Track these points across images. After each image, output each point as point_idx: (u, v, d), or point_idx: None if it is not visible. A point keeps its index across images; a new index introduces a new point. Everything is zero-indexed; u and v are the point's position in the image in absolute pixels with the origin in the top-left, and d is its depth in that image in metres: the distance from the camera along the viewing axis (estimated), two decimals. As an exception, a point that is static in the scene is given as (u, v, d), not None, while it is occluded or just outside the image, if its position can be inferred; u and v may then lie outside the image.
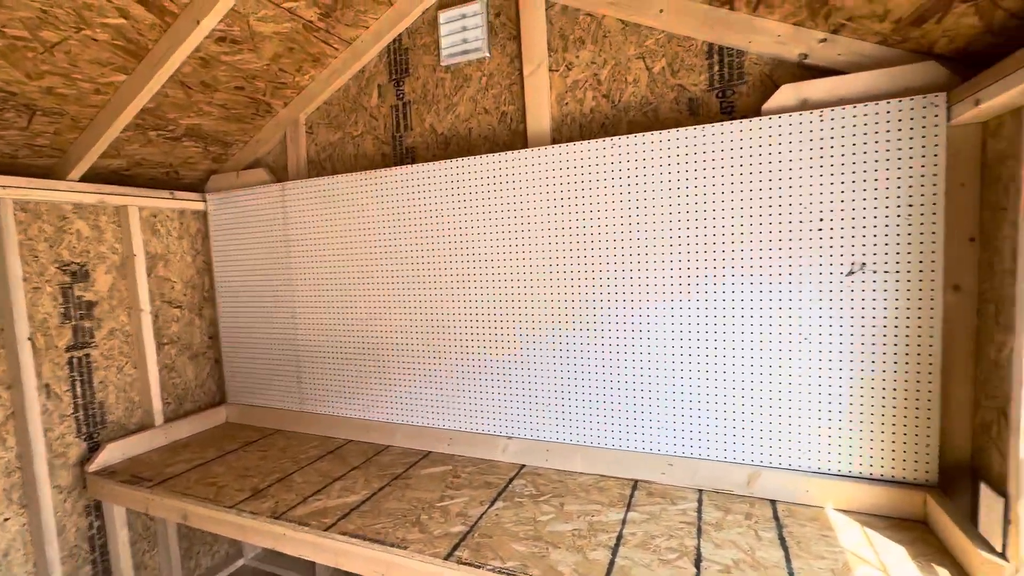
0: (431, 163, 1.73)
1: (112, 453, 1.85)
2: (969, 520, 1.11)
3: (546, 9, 1.62)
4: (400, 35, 1.87)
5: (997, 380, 1.09)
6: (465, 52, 1.73)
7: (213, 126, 1.98)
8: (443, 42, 1.76)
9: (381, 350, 1.89)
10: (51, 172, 1.78)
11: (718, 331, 1.40)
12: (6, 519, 1.64)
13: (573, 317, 1.57)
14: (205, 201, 2.23)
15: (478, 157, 1.65)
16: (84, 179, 1.84)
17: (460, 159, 1.68)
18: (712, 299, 1.40)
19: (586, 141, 1.51)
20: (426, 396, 1.83)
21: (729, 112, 1.45)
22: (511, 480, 1.56)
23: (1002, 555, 0.98)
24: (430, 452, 1.82)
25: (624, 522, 1.30)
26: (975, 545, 1.01)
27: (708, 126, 1.37)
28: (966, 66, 1.17)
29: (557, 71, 1.63)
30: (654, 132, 1.43)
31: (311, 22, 1.71)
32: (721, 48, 1.44)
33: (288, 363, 2.11)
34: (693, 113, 1.48)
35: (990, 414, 1.12)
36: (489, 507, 1.40)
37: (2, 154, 1.62)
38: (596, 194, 1.50)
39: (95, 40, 1.41)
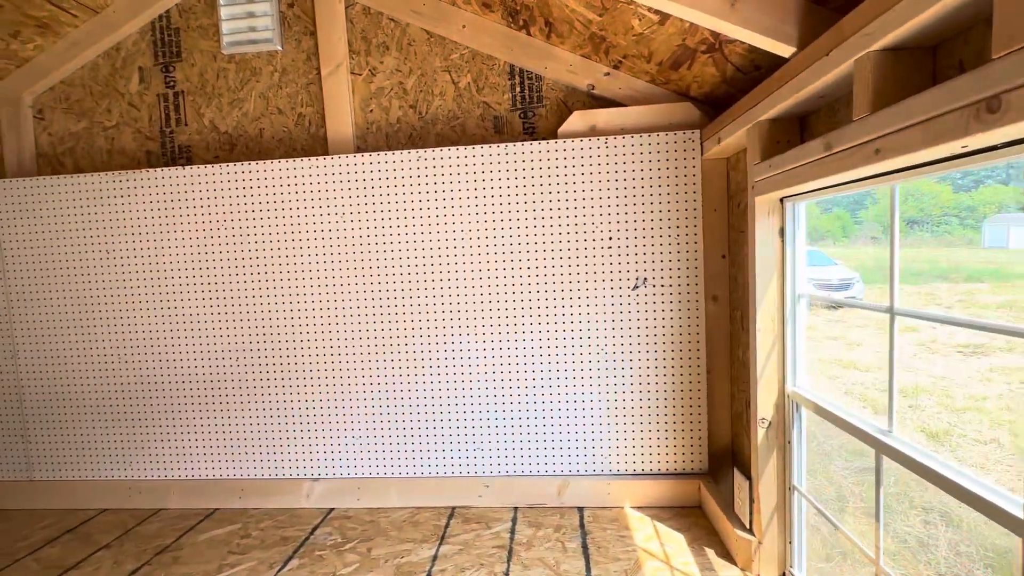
0: (212, 165, 1.46)
1: None
2: (730, 503, 1.28)
3: (346, 8, 1.49)
4: (169, 11, 1.56)
5: (744, 376, 1.27)
6: (253, 42, 1.51)
7: None
8: (224, 27, 1.51)
9: (145, 393, 1.53)
10: None
11: (521, 346, 1.42)
12: None
13: (373, 341, 1.45)
14: None
15: (273, 162, 1.44)
16: None
17: (249, 163, 1.45)
18: (513, 315, 1.41)
19: (393, 152, 1.41)
20: (209, 443, 1.53)
21: (531, 132, 1.49)
22: (314, 529, 1.37)
23: (750, 531, 1.13)
24: (216, 510, 1.51)
25: (435, 558, 1.21)
26: (732, 525, 1.16)
27: (512, 144, 1.39)
28: (715, 108, 1.37)
29: (360, 75, 1.52)
30: (462, 147, 1.40)
31: (28, -25, 1.32)
32: (522, 71, 1.48)
33: (7, 419, 1.59)
34: (498, 131, 1.50)
35: (740, 406, 1.31)
36: (280, 570, 1.19)
37: None
38: (403, 208, 1.42)
39: None
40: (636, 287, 1.38)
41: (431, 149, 1.40)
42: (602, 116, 1.39)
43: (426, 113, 1.51)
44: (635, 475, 1.41)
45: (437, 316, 1.43)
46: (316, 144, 1.55)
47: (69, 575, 1.22)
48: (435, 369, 1.44)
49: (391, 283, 1.43)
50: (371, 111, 1.52)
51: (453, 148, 1.40)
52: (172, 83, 1.58)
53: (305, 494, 1.49)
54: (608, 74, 1.41)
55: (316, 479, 1.50)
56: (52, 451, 1.58)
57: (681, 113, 1.37)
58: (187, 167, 1.47)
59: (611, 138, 1.36)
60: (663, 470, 1.41)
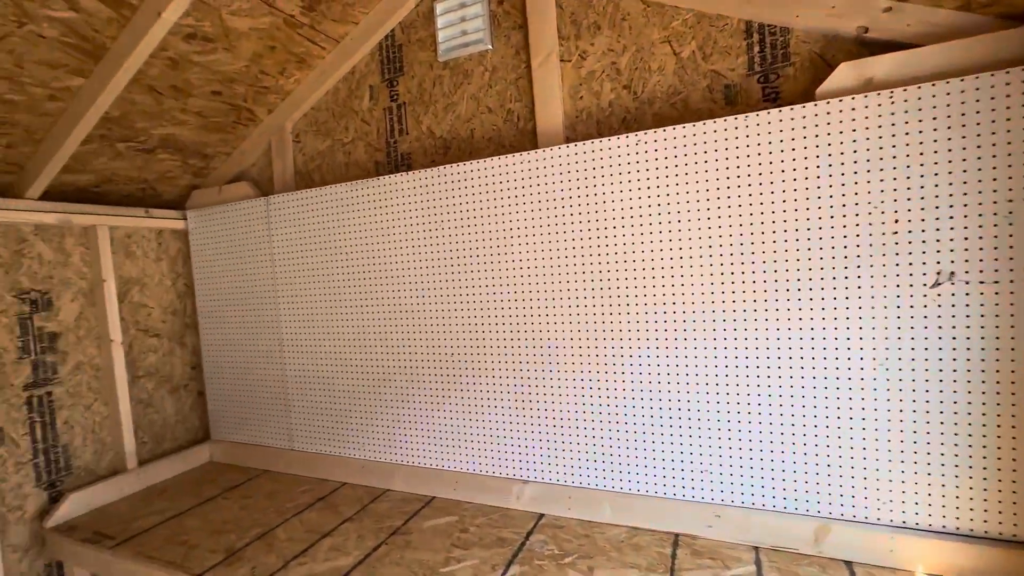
0: (426, 170, 1.53)
1: (75, 504, 1.64)
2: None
3: (556, -8, 1.43)
4: (393, 30, 1.69)
5: None
6: (465, 45, 1.54)
7: (191, 137, 1.80)
8: (440, 35, 1.57)
9: (377, 381, 1.68)
10: (7, 189, 1.60)
11: (772, 357, 1.18)
12: (-52, 587, 1.43)
13: (600, 341, 1.35)
14: (186, 219, 2.05)
15: (480, 161, 1.45)
16: (46, 197, 1.66)
17: (458, 164, 1.48)
18: (764, 320, 1.18)
19: (605, 139, 1.30)
20: (429, 432, 1.61)
21: (773, 99, 1.24)
22: (528, 535, 1.33)
23: None
24: (434, 498, 1.59)
25: (669, 594, 1.06)
26: None
27: (750, 115, 1.16)
28: (1072, 30, 0.96)
29: (569, 61, 1.44)
30: (685, 125, 1.22)
31: (293, 16, 1.53)
32: (762, 26, 1.24)
33: (276, 396, 1.90)
34: (730, 102, 1.28)
35: None
36: (503, 574, 1.17)
37: (-52, 171, 1.45)
38: (618, 199, 1.30)
39: (42, 37, 1.24)
40: (937, 283, 1.04)
41: (648, 131, 1.26)
42: (882, 64, 1.08)
43: (641, 92, 1.37)
44: (935, 532, 1.07)
45: (668, 317, 1.27)
46: (524, 139, 1.52)
47: (328, 540, 1.37)
48: (661, 376, 1.29)
49: (611, 280, 1.32)
50: (581, 98, 1.43)
51: (674, 128, 1.23)
52: (395, 96, 1.71)
53: (515, 495, 1.47)
54: (889, 9, 1.10)
55: (526, 481, 1.47)
56: (307, 426, 1.84)
57: (1015, 44, 0.99)
58: (407, 172, 1.56)
59: (897, 91, 1.05)
60: (979, 531, 1.04)
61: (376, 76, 1.74)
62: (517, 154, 1.40)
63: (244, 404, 1.97)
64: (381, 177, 1.61)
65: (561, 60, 1.45)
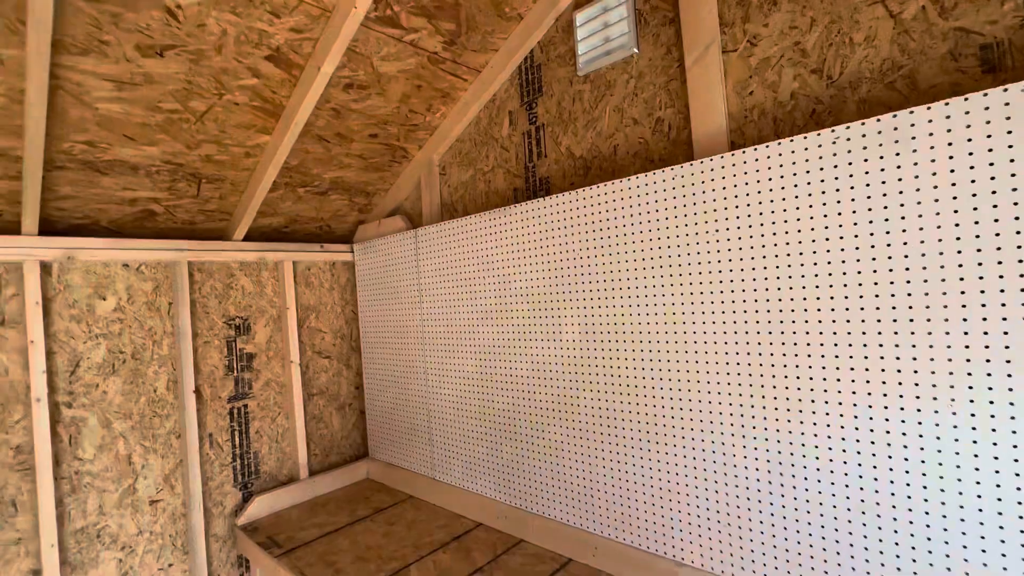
0: (563, 194, 1.40)
1: (259, 506, 1.86)
2: None
3: (715, -28, 1.19)
4: (532, 51, 1.62)
5: None
6: (608, 53, 1.39)
7: (354, 177, 1.97)
8: (580, 47, 1.44)
9: (519, 420, 1.57)
10: (221, 234, 1.93)
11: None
12: (170, 565, 1.72)
13: (807, 409, 1.04)
14: (352, 252, 2.26)
15: (622, 181, 1.26)
16: (248, 238, 1.96)
17: (599, 185, 1.31)
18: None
19: (787, 140, 1.01)
20: (574, 486, 1.44)
21: (1075, 54, 0.82)
22: (682, 639, 1.07)
23: None
24: (569, 561, 1.41)
25: None
26: None
27: (1032, 83, 0.77)
28: None
29: (735, 51, 1.18)
30: (916, 109, 0.87)
31: (436, 53, 1.56)
32: (1048, -51, 0.83)
33: (420, 423, 1.93)
34: (991, 67, 0.88)
35: None
36: None
37: (183, 220, 1.78)
38: (807, 214, 0.99)
39: (236, 104, 1.44)
40: None
41: (852, 124, 0.93)
42: None
43: (839, 75, 1.04)
44: None
45: (908, 390, 0.92)
46: (677, 150, 1.29)
47: (453, 595, 1.30)
48: (897, 439, 0.93)
49: (801, 327, 1.01)
50: (750, 93, 1.16)
51: (895, 115, 0.88)
52: (534, 118, 1.62)
53: (666, 579, 1.21)
54: None
55: (681, 564, 1.20)
56: (447, 458, 1.83)
57: None
58: (545, 198, 1.45)
59: None
60: None
61: (515, 100, 1.68)
62: (667, 169, 1.19)
63: (395, 428, 2.06)
64: (515, 205, 1.52)
65: (724, 51, 1.19)
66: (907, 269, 0.88)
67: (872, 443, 0.93)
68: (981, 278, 0.81)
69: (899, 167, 0.88)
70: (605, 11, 1.38)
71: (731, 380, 1.10)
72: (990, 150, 0.80)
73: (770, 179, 1.03)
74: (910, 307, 0.88)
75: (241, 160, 1.64)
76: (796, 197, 0.99)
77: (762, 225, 1.04)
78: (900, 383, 0.89)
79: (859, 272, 0.93)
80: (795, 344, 1.00)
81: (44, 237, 1.50)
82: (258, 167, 1.68)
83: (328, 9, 1.28)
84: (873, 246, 0.91)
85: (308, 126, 1.61)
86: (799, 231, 0.99)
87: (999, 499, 0.81)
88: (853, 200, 0.93)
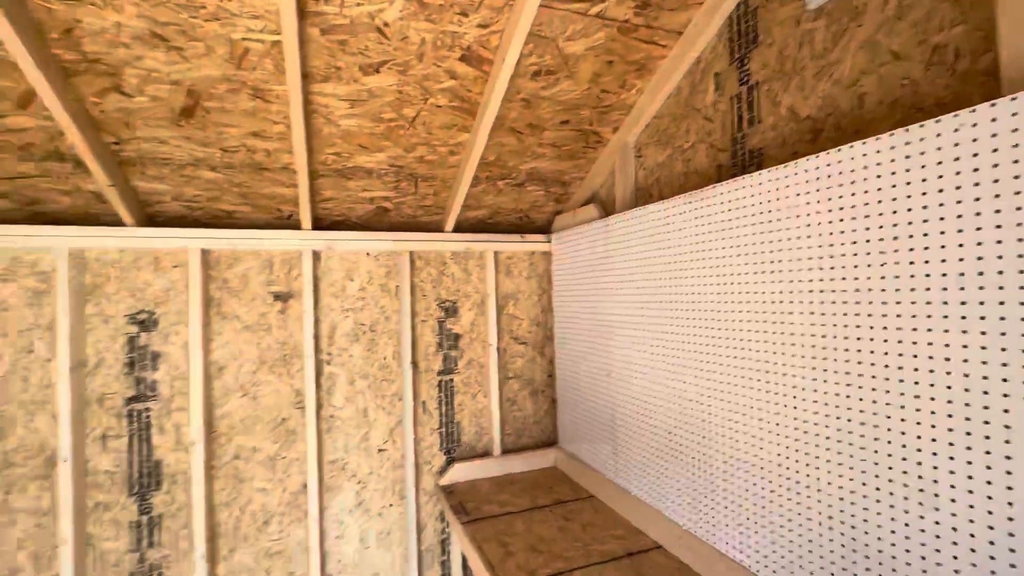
0: (781, 167, 1.09)
1: (458, 472, 2.06)
2: None
3: None
4: (746, -6, 1.32)
5: None
6: (853, -31, 1.02)
7: (549, 167, 1.97)
8: (812, -29, 1.10)
9: (708, 437, 1.34)
10: (436, 227, 2.17)
11: None
12: (391, 505, 2.05)
13: None
14: (550, 242, 2.28)
15: (872, 141, 0.91)
16: (457, 230, 2.17)
17: (833, 151, 0.98)
18: None
19: None
20: (772, 528, 1.16)
21: None
22: None
23: None
24: (764, 628, 1.13)
25: None
26: None
27: None
28: None
29: (1101, -95, 0.71)
30: None
31: (626, 22, 1.41)
32: None
33: (604, 422, 1.83)
34: None
35: None
36: None
37: (407, 215, 2.07)
38: None
39: (439, 106, 1.57)
40: None
41: None
42: None
43: None
44: None
45: None
46: (968, 87, 0.86)
47: (611, 620, 1.18)
48: None
49: None
50: None
51: None
52: (746, 77, 1.32)
53: None
54: None
55: None
56: (629, 465, 1.69)
57: None
58: (749, 175, 1.16)
59: None
60: None
61: (723, 60, 1.40)
62: (958, 115, 0.80)
63: (582, 422, 2.01)
64: (716, 185, 1.27)
65: (1075, -88, 0.73)
66: None
67: None
68: None
69: None
70: (853, -89, 1.01)
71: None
72: None
73: None
74: None
75: (447, 158, 1.80)
76: None
77: None
78: None
79: None
80: None
81: (314, 232, 1.93)
82: (461, 164, 1.82)
83: (511, -3, 1.28)
84: None
85: (500, 119, 1.66)
86: None
87: None
88: None
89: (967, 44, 0.86)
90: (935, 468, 0.82)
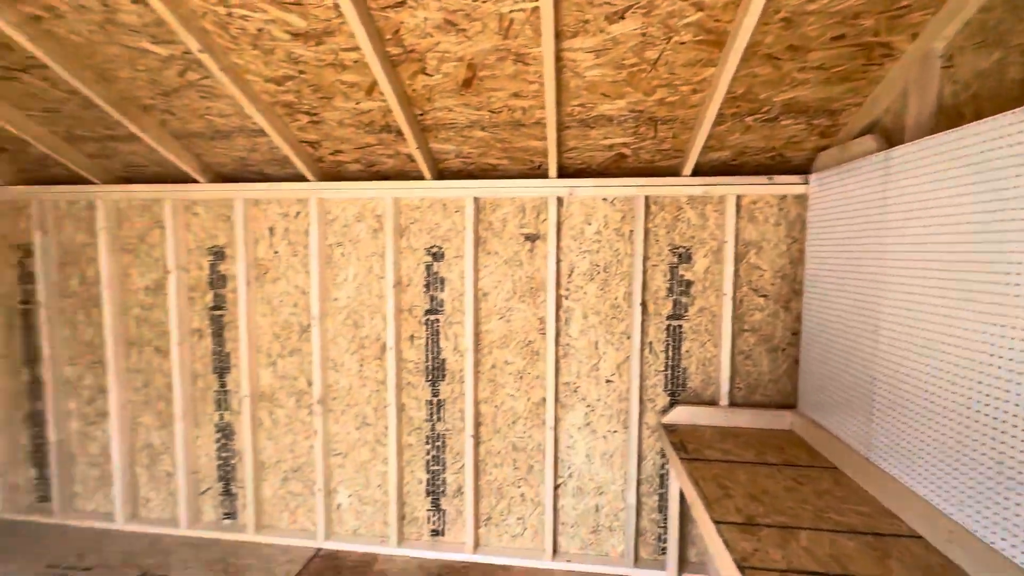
0: None
1: (679, 414, 2.11)
2: None
3: None
4: None
5: None
6: None
7: (812, 95, 1.71)
8: None
9: (1001, 417, 1.08)
10: (673, 171, 2.14)
11: None
12: (613, 432, 2.26)
13: None
14: (807, 184, 2.00)
15: None
16: (695, 173, 2.09)
17: None
18: None
19: None
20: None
21: None
22: None
23: None
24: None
25: None
26: None
27: None
28: None
29: None
30: None
31: None
32: None
33: (861, 390, 1.60)
34: None
35: None
36: None
37: (644, 160, 2.10)
38: None
39: (682, 43, 1.54)
40: None
41: None
42: None
43: None
44: None
45: None
46: None
47: (838, 583, 1.11)
48: None
49: None
50: None
51: None
52: None
53: None
54: None
55: None
56: (889, 439, 1.46)
57: None
58: None
59: None
60: None
61: (1118, -97, 0.97)
62: None
63: (830, 387, 1.80)
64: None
65: None
66: None
67: None
68: None
69: None
70: None
71: None
72: None
73: None
74: None
75: (689, 98, 1.75)
76: None
77: None
78: None
79: None
80: None
81: (559, 180, 2.15)
82: (704, 102, 1.74)
83: (774, -98, 1.14)
84: None
85: (753, 47, 1.51)
86: None
87: None
88: None
89: None
90: None
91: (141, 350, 2.54)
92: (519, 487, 2.33)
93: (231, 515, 2.55)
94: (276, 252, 2.41)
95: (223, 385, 2.50)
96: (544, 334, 2.26)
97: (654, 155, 2.07)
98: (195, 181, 2.38)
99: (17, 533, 2.53)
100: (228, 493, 2.54)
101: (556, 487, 2.29)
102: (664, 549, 2.24)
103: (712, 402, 2.18)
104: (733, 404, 2.15)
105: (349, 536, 2.45)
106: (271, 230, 2.40)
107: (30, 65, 1.75)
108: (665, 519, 2.23)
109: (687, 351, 2.19)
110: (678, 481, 1.97)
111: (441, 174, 2.27)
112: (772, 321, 2.13)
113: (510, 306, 2.27)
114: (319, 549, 2.41)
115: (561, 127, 1.91)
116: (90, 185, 2.45)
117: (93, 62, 1.72)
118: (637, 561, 2.24)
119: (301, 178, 2.35)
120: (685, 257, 2.16)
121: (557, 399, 2.27)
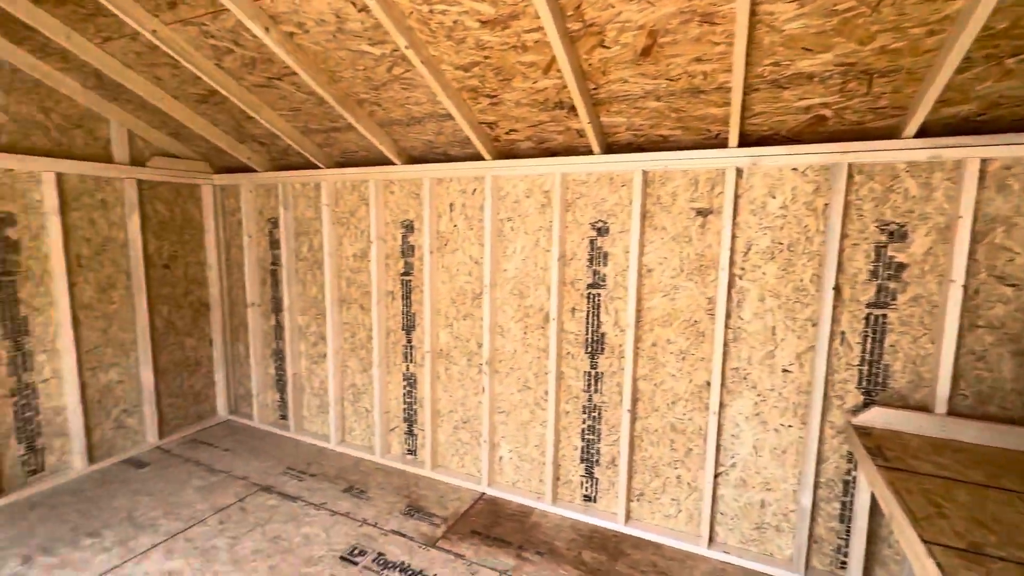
0: None
1: (877, 416, 1.83)
2: None
3: None
4: None
5: None
6: None
7: (1123, 19, 1.28)
8: None
9: None
10: (889, 132, 1.81)
11: None
12: (788, 426, 2.06)
13: None
14: (1100, 140, 1.52)
15: None
16: (919, 134, 1.74)
17: None
18: None
19: None
20: None
21: None
22: None
23: None
24: None
25: None
26: None
27: None
28: None
29: None
30: None
31: None
32: None
33: None
34: None
35: None
36: None
37: (851, 122, 1.81)
38: None
39: (920, -25, 1.28)
40: None
41: None
42: None
43: None
44: None
45: None
46: None
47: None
48: None
49: None
50: None
51: None
52: None
53: None
54: None
55: None
56: None
57: None
58: None
59: None
60: None
61: None
62: None
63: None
64: None
65: None
66: None
67: None
68: None
69: None
70: None
71: None
72: None
73: None
74: None
75: (921, 42, 1.45)
76: None
77: None
78: None
79: None
80: None
81: (739, 148, 1.98)
82: (944, 44, 1.43)
83: None
84: None
85: (1030, -34, 1.19)
86: None
87: None
88: None
89: None
90: None
91: (349, 307, 3.07)
92: (675, 468, 2.28)
93: (412, 452, 2.98)
94: (455, 225, 2.67)
95: (409, 341, 2.89)
96: (712, 315, 2.14)
97: (864, 115, 1.77)
98: (393, 163, 2.75)
99: (267, 439, 3.31)
100: (411, 433, 2.97)
101: (717, 475, 2.19)
102: (844, 563, 2.00)
103: (923, 407, 1.84)
104: (953, 413, 1.79)
105: (508, 487, 2.68)
106: (451, 206, 2.67)
107: (284, 74, 2.20)
108: (848, 530, 1.98)
109: (892, 345, 1.87)
110: (871, 490, 1.73)
111: (609, 148, 2.26)
112: (1022, 317, 1.70)
113: (676, 284, 2.20)
114: (483, 494, 2.68)
115: (748, 90, 1.75)
116: (317, 170, 2.99)
117: (326, 66, 2.08)
118: (808, 570, 2.05)
119: (478, 157, 2.55)
120: (898, 235, 1.83)
121: (723, 384, 2.14)
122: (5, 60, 2.42)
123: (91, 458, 2.85)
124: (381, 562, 2.12)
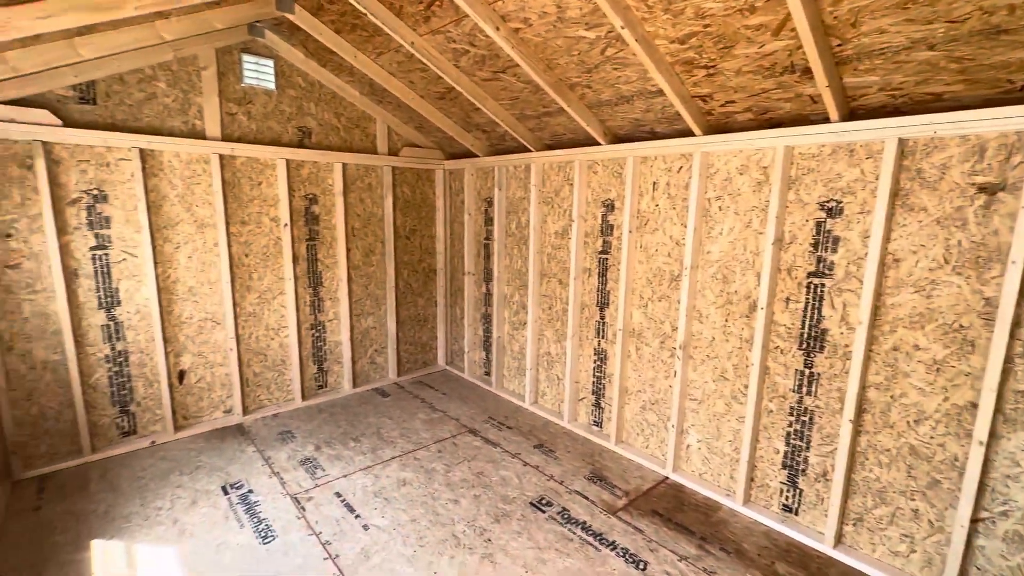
0: None
1: None
2: None
3: None
4: None
5: None
6: None
7: None
8: None
9: None
10: None
11: None
12: (1110, 480, 1.51)
13: None
14: None
15: None
16: None
17: None
18: None
19: None
20: None
21: None
22: None
23: None
24: None
25: None
26: None
27: None
28: None
29: None
30: None
31: None
32: None
33: None
34: None
35: None
36: None
37: None
38: None
39: None
40: None
41: None
42: None
43: None
44: None
45: None
46: None
47: None
48: None
49: None
50: None
51: None
52: None
53: None
54: None
55: None
56: None
57: None
58: None
59: None
60: None
61: None
62: None
63: None
64: None
65: None
66: None
67: None
68: None
69: None
70: None
71: None
72: None
73: None
74: None
75: None
76: None
77: None
78: None
79: None
80: None
81: (1063, 102, 1.47)
82: None
83: None
84: None
85: None
86: None
87: None
88: None
89: None
90: None
91: (549, 280, 3.30)
92: (912, 499, 1.90)
93: (598, 423, 3.09)
94: (656, 205, 2.62)
95: (602, 317, 2.98)
96: (990, 320, 1.68)
97: None
98: (597, 144, 2.82)
99: (474, 390, 3.83)
100: (598, 406, 3.08)
101: (975, 520, 1.75)
102: None
103: None
104: None
105: (694, 477, 2.59)
106: (654, 184, 2.62)
107: (507, 67, 2.44)
108: None
109: None
110: None
111: (852, 114, 1.92)
112: None
113: (935, 277, 1.78)
114: (666, 477, 2.65)
115: (1086, 21, 1.29)
116: (527, 153, 3.25)
117: (544, 55, 2.24)
118: (1124, 676, 1.51)
119: (686, 133, 2.44)
120: None
121: (999, 409, 1.68)
122: (317, 80, 3.24)
123: (354, 383, 3.72)
124: (565, 516, 2.30)
